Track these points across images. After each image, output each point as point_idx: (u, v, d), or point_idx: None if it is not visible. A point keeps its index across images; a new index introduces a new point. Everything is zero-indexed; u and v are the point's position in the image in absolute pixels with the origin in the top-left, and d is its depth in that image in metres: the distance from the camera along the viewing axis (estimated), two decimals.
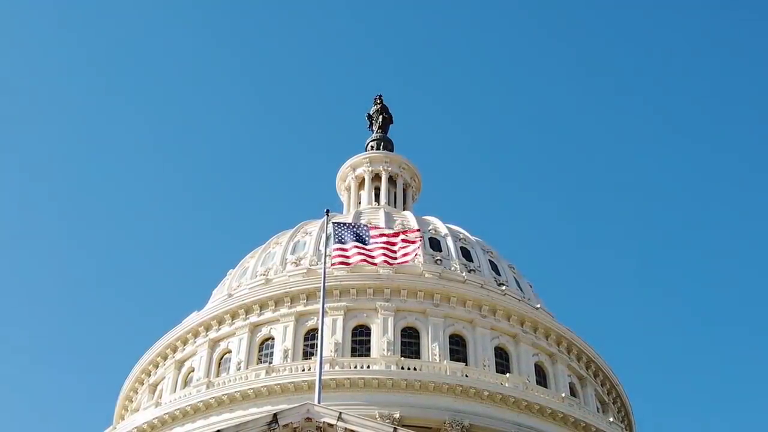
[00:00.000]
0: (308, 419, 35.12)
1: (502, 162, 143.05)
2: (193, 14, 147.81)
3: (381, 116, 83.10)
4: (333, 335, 56.72)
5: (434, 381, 52.34)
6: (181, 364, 62.07)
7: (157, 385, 63.30)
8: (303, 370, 52.92)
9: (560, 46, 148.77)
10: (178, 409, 54.02)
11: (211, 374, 58.56)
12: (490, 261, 67.29)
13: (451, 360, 55.79)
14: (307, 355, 56.79)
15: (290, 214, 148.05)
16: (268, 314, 59.78)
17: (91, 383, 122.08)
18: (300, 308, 58.99)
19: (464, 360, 56.96)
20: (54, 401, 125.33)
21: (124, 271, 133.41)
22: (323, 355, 42.10)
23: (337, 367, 52.93)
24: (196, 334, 61.92)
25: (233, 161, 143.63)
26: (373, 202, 76.77)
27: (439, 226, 68.87)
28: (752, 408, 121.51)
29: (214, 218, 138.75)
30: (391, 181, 79.07)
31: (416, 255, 45.32)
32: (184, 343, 62.43)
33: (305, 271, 61.78)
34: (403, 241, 43.91)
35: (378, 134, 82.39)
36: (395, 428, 36.82)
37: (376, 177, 78.90)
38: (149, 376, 64.13)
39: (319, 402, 37.02)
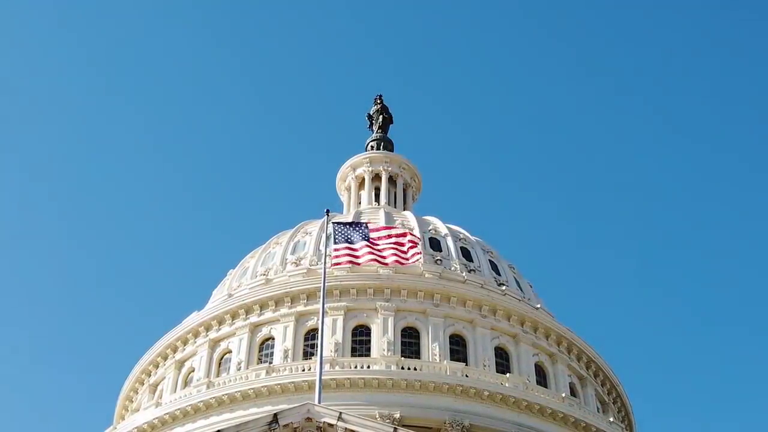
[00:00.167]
0: (308, 419, 35.15)
1: (502, 162, 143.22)
2: (193, 14, 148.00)
3: (381, 116, 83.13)
4: (333, 335, 56.73)
5: (434, 381, 52.35)
6: (181, 364, 62.09)
7: (157, 385, 63.32)
8: (303, 370, 52.93)
9: (560, 46, 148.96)
10: (179, 409, 54.03)
11: (212, 374, 58.57)
12: (490, 261, 67.30)
13: (451, 360, 55.80)
14: (308, 355, 56.80)
15: (290, 214, 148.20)
16: (268, 314, 59.79)
17: (91, 383, 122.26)
18: (300, 308, 59.01)
19: (464, 360, 56.97)
20: (54, 401, 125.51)
21: (124, 271, 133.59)
22: (323, 355, 42.13)
23: (337, 367, 52.94)
24: (196, 334, 61.94)
25: (233, 161, 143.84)
26: (373, 202, 76.78)
27: (439, 226, 68.89)
28: (752, 408, 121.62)
29: (214, 218, 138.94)
30: (391, 181, 79.09)
31: (419, 255, 45.29)
32: (185, 343, 62.45)
33: (305, 271, 61.80)
34: (407, 242, 43.96)
35: (378, 134, 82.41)
36: (395, 428, 36.84)
37: (376, 177, 78.91)
38: (149, 376, 64.14)
39: (319, 402, 37.05)
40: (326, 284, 43.78)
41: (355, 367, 53.17)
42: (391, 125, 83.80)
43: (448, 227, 68.90)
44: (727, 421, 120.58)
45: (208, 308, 63.79)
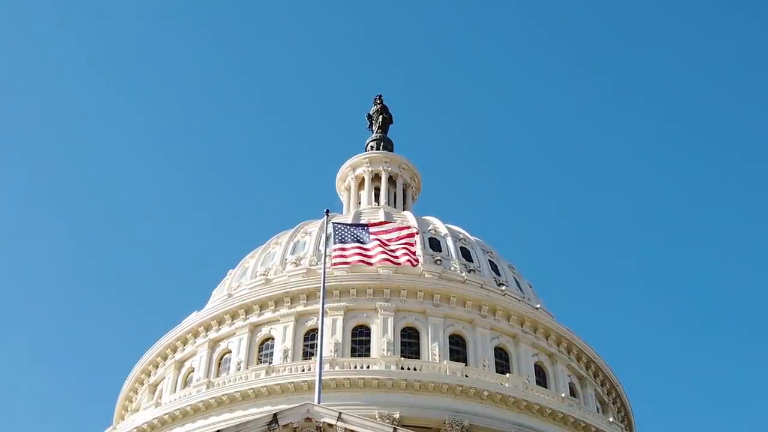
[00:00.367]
0: (308, 419, 35.17)
1: (502, 162, 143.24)
2: (192, 14, 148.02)
3: (381, 116, 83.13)
4: (333, 335, 56.73)
5: (434, 381, 52.35)
6: (181, 364, 62.08)
7: (157, 385, 63.32)
8: (303, 370, 52.93)
9: (560, 46, 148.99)
10: (178, 409, 54.03)
11: (211, 374, 58.57)
12: (489, 261, 67.30)
13: (450, 360, 55.79)
14: (307, 355, 56.80)
15: (290, 214, 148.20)
16: (268, 314, 59.79)
17: (91, 383, 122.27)
18: (300, 308, 59.01)
19: (464, 360, 56.96)
20: (54, 401, 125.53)
21: (124, 271, 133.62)
22: (323, 355, 42.14)
23: (337, 368, 52.94)
24: (196, 335, 61.93)
25: (233, 161, 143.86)
26: (373, 202, 76.78)
27: (438, 226, 68.88)
28: (752, 408, 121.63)
29: (214, 218, 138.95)
30: (391, 181, 79.09)
31: (414, 253, 45.24)
32: (184, 343, 62.44)
33: (305, 271, 61.80)
34: (401, 238, 43.96)
35: (378, 134, 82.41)
36: (395, 428, 36.86)
37: (376, 177, 78.91)
38: (149, 376, 64.14)
39: (318, 402, 37.06)
40: (326, 284, 43.84)
41: (355, 367, 53.17)
42: (390, 125, 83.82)
43: (447, 227, 68.91)
44: (727, 421, 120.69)
45: (207, 308, 63.80)
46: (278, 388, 52.13)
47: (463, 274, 62.86)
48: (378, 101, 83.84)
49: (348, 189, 79.70)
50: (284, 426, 35.06)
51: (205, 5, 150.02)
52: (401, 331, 57.86)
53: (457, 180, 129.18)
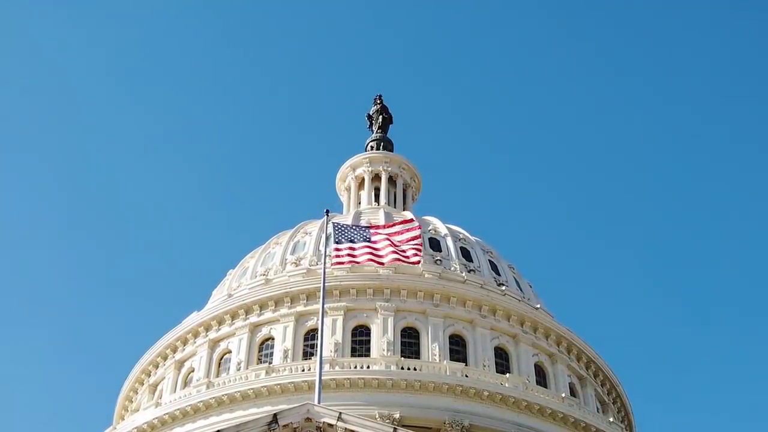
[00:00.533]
0: (308, 419, 35.18)
1: (502, 162, 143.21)
2: (192, 15, 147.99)
3: (381, 116, 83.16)
4: (333, 335, 56.74)
5: (434, 381, 52.35)
6: (181, 364, 62.09)
7: (157, 385, 63.33)
8: (303, 371, 52.93)
9: (560, 46, 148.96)
10: (178, 409, 54.04)
11: (211, 374, 58.58)
12: (489, 261, 67.32)
13: (451, 360, 55.80)
14: (307, 355, 56.81)
15: (290, 214, 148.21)
16: (268, 314, 59.80)
17: (91, 383, 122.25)
18: (300, 308, 59.02)
19: (464, 360, 56.97)
20: (54, 401, 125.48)
21: (124, 271, 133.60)
22: (323, 356, 42.14)
23: (337, 368, 52.95)
24: (196, 335, 61.94)
25: (233, 161, 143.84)
26: (373, 203, 76.80)
27: (438, 226, 68.90)
28: (752, 408, 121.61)
29: (214, 218, 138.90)
30: (391, 181, 79.11)
31: (420, 255, 45.28)
32: (184, 343, 62.46)
33: (305, 271, 61.81)
34: (404, 232, 43.99)
35: (378, 134, 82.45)
36: (395, 428, 36.87)
37: (376, 177, 78.94)
38: (149, 376, 64.15)
39: (319, 402, 37.07)
40: (326, 284, 43.85)
41: (355, 367, 53.17)
42: (390, 125, 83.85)
43: (447, 227, 68.93)
44: (726, 421, 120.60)
45: (207, 308, 63.81)
46: (278, 388, 52.14)
47: (463, 274, 62.87)
48: (378, 101, 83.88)
49: (348, 189, 79.73)
50: (284, 426, 35.08)
51: (205, 6, 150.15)
52: (401, 331, 57.87)
53: (457, 180, 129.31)
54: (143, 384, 64.41)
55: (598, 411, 61.07)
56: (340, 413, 35.48)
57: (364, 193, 78.27)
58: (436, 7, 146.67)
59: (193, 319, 62.67)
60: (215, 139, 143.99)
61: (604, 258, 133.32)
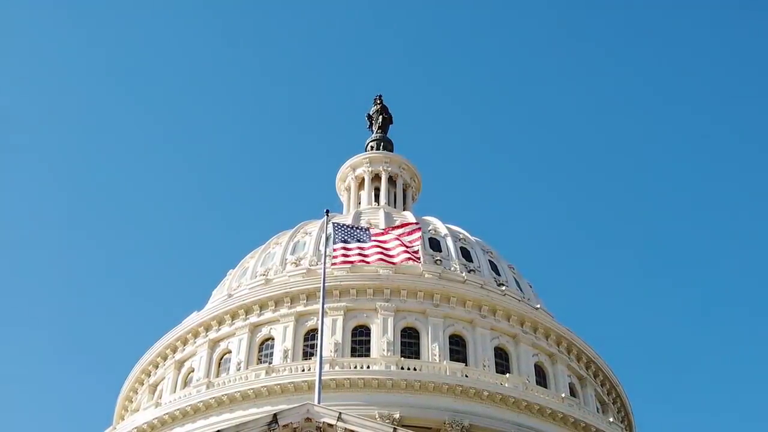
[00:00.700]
0: (308, 419, 35.19)
1: (502, 162, 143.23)
2: (192, 15, 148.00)
3: (381, 116, 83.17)
4: (333, 335, 56.73)
5: (434, 381, 52.34)
6: (181, 364, 62.09)
7: (157, 385, 63.32)
8: (303, 371, 52.93)
9: (560, 46, 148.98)
10: (178, 409, 54.03)
11: (211, 374, 58.58)
12: (489, 261, 67.31)
13: (450, 360, 55.79)
14: (307, 355, 56.81)
15: (290, 215, 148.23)
16: (268, 314, 59.80)
17: (91, 383, 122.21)
18: (300, 308, 59.01)
19: (464, 360, 56.96)
20: (54, 401, 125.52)
21: (124, 271, 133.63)
22: (323, 356, 42.15)
23: (336, 368, 52.94)
24: (196, 335, 61.94)
25: (233, 161, 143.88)
26: (373, 203, 76.81)
27: (438, 226, 68.90)
28: (752, 408, 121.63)
29: (214, 218, 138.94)
30: (391, 181, 79.11)
31: (417, 250, 45.30)
32: (184, 343, 62.45)
33: (305, 271, 61.81)
34: (404, 235, 44.03)
35: (378, 134, 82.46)
36: (395, 428, 36.88)
37: (376, 177, 78.95)
38: (149, 376, 64.14)
39: (318, 402, 37.08)
40: (326, 284, 43.87)
41: (355, 367, 53.17)
42: (390, 125, 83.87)
43: (447, 227, 68.92)
44: (726, 421, 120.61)
45: (207, 308, 63.81)
46: (278, 388, 52.13)
47: (463, 274, 62.86)
48: (378, 101, 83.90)
49: (348, 189, 79.73)
50: (284, 426, 35.09)
51: (205, 6, 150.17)
52: (401, 331, 57.86)
53: (457, 180, 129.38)
54: (143, 384, 64.41)
55: (598, 411, 61.06)
56: (340, 413, 35.49)
57: (364, 193, 78.27)
58: (436, 7, 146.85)
59: (193, 319, 62.67)
60: (215, 139, 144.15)
61: (604, 258, 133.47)
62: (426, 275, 60.43)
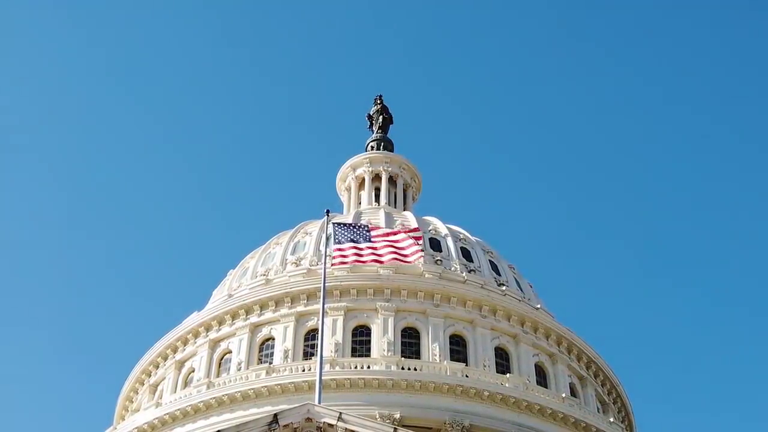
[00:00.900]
0: (308, 419, 35.18)
1: (503, 162, 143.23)
2: (192, 15, 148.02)
3: (381, 116, 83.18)
4: (333, 335, 56.73)
5: (434, 381, 52.34)
6: (181, 364, 62.09)
7: (157, 385, 63.33)
8: (303, 371, 52.93)
9: (560, 46, 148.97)
10: (179, 409, 54.05)
11: (212, 374, 58.59)
12: (490, 261, 67.30)
13: (451, 360, 55.79)
14: (308, 355, 56.81)
15: (290, 215, 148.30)
16: (268, 314, 59.80)
17: (91, 384, 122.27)
18: (300, 308, 59.01)
19: (464, 360, 56.95)
20: (54, 401, 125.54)
21: (124, 271, 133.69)
22: (323, 356, 42.14)
23: (337, 368, 52.94)
24: (196, 335, 61.95)
25: (233, 162, 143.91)
26: (374, 203, 76.81)
27: (439, 226, 68.90)
28: (752, 408, 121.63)
29: (215, 218, 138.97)
30: (392, 181, 79.11)
31: (420, 253, 45.28)
32: (185, 343, 62.46)
33: (305, 271, 61.81)
34: (405, 239, 44.02)
35: (378, 134, 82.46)
36: (395, 428, 36.88)
37: (377, 177, 78.95)
38: (149, 376, 64.16)
39: (319, 402, 37.08)
40: (326, 284, 43.83)
41: (355, 367, 53.17)
42: (391, 125, 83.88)
43: (448, 227, 68.92)
44: (727, 421, 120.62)
45: (208, 308, 63.82)
46: (279, 389, 52.13)
47: (464, 275, 62.86)
48: (378, 101, 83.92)
49: (348, 189, 79.74)
50: (285, 426, 35.08)
51: (205, 6, 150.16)
52: (401, 331, 57.86)
53: (457, 180, 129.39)
54: (144, 384, 64.42)
55: (598, 411, 61.06)
56: (341, 413, 35.49)
57: (364, 193, 78.26)
58: (436, 7, 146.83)
59: (194, 319, 62.68)
60: (215, 139, 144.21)
61: (605, 258, 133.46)
62: (426, 275, 60.42)
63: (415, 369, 53.46)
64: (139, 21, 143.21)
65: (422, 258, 53.39)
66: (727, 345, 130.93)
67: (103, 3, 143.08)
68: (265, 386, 52.36)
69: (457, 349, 57.94)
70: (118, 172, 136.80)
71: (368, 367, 53.20)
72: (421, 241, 45.97)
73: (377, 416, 49.04)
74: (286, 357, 56.73)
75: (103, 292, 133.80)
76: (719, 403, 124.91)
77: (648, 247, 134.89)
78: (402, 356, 55.16)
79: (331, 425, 35.09)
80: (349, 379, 52.03)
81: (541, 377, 59.57)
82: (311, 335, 57.67)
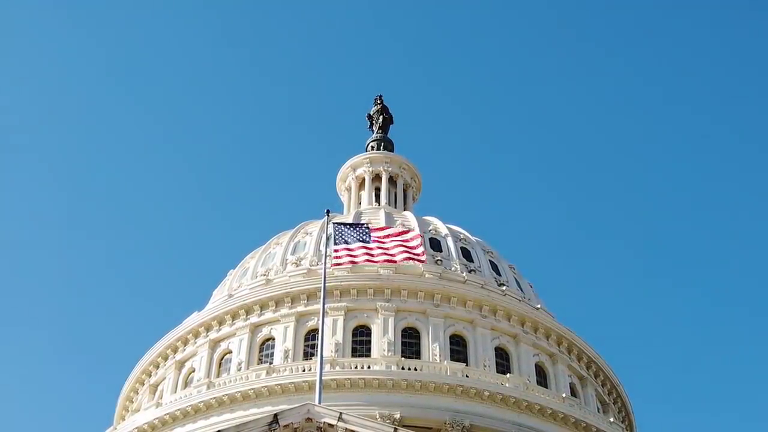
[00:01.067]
0: (309, 419, 35.19)
1: (503, 162, 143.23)
2: (192, 15, 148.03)
3: (381, 116, 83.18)
4: (333, 335, 56.73)
5: (435, 381, 52.34)
6: (181, 364, 62.09)
7: (157, 385, 63.33)
8: (303, 371, 52.93)
9: (560, 46, 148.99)
10: (179, 409, 54.04)
11: (212, 374, 58.59)
12: (490, 261, 67.29)
13: (451, 360, 55.79)
14: (308, 355, 56.80)
15: (291, 215, 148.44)
16: (268, 314, 59.80)
17: (92, 384, 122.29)
18: (300, 308, 59.01)
19: (465, 360, 56.95)
20: (54, 402, 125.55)
21: (124, 271, 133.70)
22: (324, 356, 42.13)
23: (337, 368, 52.93)
24: (196, 335, 61.94)
25: (234, 162, 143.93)
26: (374, 203, 76.80)
27: (439, 226, 68.90)
28: (752, 408, 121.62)
29: (215, 219, 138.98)
30: (392, 181, 79.10)
31: (421, 248, 45.29)
32: (185, 343, 62.45)
33: (306, 271, 61.81)
34: (405, 240, 44.04)
35: (378, 134, 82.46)
36: (395, 428, 36.88)
37: (377, 177, 78.95)
38: (150, 376, 64.15)
39: (319, 402, 37.08)
40: (326, 284, 43.85)
41: (356, 367, 53.17)
42: (391, 125, 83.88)
43: (448, 227, 68.91)
44: (727, 421, 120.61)
45: (208, 308, 63.81)
46: (279, 389, 52.13)
47: (464, 275, 62.85)
48: (378, 101, 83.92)
49: (348, 189, 79.73)
50: (285, 426, 35.08)
51: (205, 6, 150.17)
52: (402, 332, 57.86)
53: (457, 180, 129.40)
54: (144, 384, 64.42)
55: (598, 411, 61.05)
56: (341, 413, 35.49)
57: (364, 194, 78.26)
58: (436, 7, 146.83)
59: (194, 320, 62.68)
60: (215, 139, 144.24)
61: (605, 258, 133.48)
62: (426, 275, 60.42)
63: (416, 369, 53.46)
64: (139, 21, 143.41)
65: (423, 263, 53.60)
66: (727, 345, 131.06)
67: (103, 3, 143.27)
68: (266, 386, 52.36)
69: (458, 349, 57.93)
70: (118, 172, 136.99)
71: (368, 367, 53.20)
72: (419, 240, 45.93)
73: (377, 416, 49.04)
74: (286, 357, 56.72)
75: (103, 292, 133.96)
76: (719, 403, 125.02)
77: (648, 247, 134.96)
78: (402, 356, 55.15)
79: (331, 425, 35.09)
80: (349, 379, 52.03)
81: (542, 377, 59.56)
82: (311, 335, 57.67)
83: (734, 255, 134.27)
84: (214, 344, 60.84)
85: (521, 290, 66.54)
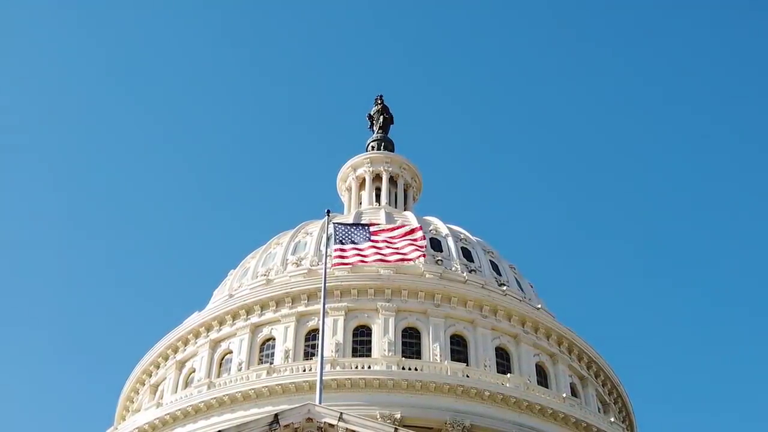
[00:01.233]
0: (309, 419, 35.20)
1: (503, 162, 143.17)
2: (192, 15, 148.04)
3: (382, 116, 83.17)
4: (334, 335, 56.73)
5: (435, 381, 52.34)
6: (182, 364, 62.10)
7: (158, 385, 63.34)
8: (304, 371, 52.94)
9: (560, 46, 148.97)
10: (179, 409, 54.05)
11: (212, 375, 58.60)
12: (491, 261, 67.29)
13: (452, 360, 55.79)
14: (308, 355, 56.81)
15: (291, 215, 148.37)
16: (269, 315, 59.80)
17: (92, 384, 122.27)
18: (301, 309, 59.01)
19: (465, 360, 56.95)
20: (55, 402, 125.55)
21: (125, 271, 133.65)
22: (324, 356, 42.10)
23: (338, 368, 52.94)
24: (197, 335, 61.95)
25: (234, 162, 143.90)
26: (374, 203, 76.79)
27: (439, 226, 68.89)
28: (752, 408, 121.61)
29: (215, 219, 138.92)
30: (392, 181, 79.09)
31: (422, 250, 45.19)
32: (185, 343, 62.46)
33: (306, 271, 61.82)
34: (406, 237, 43.98)
35: (379, 134, 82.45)
36: (396, 428, 36.90)
37: (377, 177, 78.94)
38: (150, 376, 64.16)
39: (320, 402, 37.08)
40: (327, 284, 43.82)
41: (356, 367, 53.18)
42: (391, 125, 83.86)
43: (448, 227, 68.91)
44: (727, 421, 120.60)
45: (208, 308, 63.83)
46: (279, 389, 52.14)
47: (464, 275, 62.85)
48: (379, 101, 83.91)
49: (349, 189, 79.73)
50: (285, 426, 35.10)
51: (205, 6, 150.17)
52: (402, 332, 57.86)
53: (457, 180, 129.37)
54: (144, 384, 64.43)
55: (599, 411, 61.05)
56: (341, 413, 35.49)
57: (365, 194, 78.26)
58: (436, 7, 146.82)
59: (194, 320, 62.69)
60: (215, 139, 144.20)
61: (606, 258, 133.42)
62: (427, 275, 60.43)
63: (416, 369, 53.46)
64: (139, 21, 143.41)
65: (423, 257, 53.58)
66: (727, 345, 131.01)
67: (103, 3, 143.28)
68: (266, 386, 52.36)
69: (458, 349, 57.94)
70: (118, 172, 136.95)
71: (369, 367, 53.20)
72: (424, 241, 45.78)
73: (378, 416, 49.04)
74: (286, 357, 56.73)
75: (103, 292, 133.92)
76: (719, 403, 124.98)
77: (648, 247, 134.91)
78: (403, 356, 55.16)
79: (331, 425, 35.10)
80: (349, 379, 52.03)
81: (542, 377, 59.57)
82: (312, 335, 57.68)
83: (734, 255, 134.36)
84: (215, 344, 60.85)
85: (522, 290, 66.54)
